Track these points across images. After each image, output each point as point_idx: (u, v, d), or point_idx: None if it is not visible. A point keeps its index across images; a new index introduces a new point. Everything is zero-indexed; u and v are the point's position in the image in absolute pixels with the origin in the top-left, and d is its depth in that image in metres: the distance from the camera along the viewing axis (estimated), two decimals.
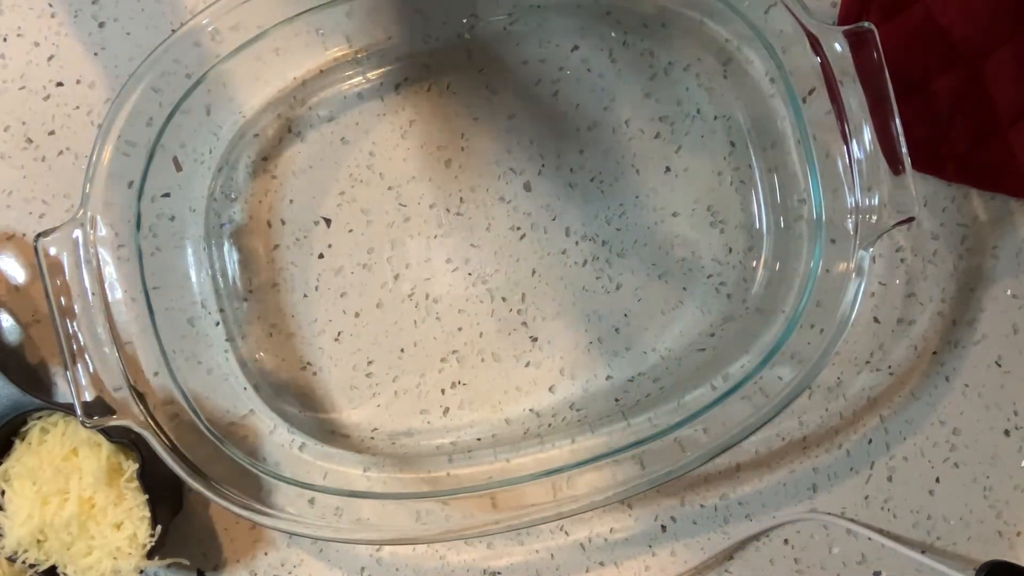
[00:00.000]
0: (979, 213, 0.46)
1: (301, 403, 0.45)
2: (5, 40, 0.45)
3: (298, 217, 0.45)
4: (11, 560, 0.42)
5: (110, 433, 0.41)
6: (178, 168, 0.43)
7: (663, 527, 0.46)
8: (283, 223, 0.45)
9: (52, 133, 0.45)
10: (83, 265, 0.39)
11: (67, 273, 0.39)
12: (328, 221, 0.45)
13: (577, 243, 0.45)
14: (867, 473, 0.46)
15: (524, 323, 0.45)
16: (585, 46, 0.45)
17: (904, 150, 0.39)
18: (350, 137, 0.45)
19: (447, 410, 0.45)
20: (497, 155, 0.45)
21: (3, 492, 0.42)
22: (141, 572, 0.43)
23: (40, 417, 0.43)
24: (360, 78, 0.45)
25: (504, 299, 0.45)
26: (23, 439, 0.42)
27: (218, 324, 0.44)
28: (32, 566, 0.42)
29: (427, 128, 0.45)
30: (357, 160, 0.45)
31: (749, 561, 0.46)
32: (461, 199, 0.45)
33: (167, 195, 0.42)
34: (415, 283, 0.45)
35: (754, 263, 0.45)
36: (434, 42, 0.44)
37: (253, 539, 0.46)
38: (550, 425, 0.45)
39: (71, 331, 0.39)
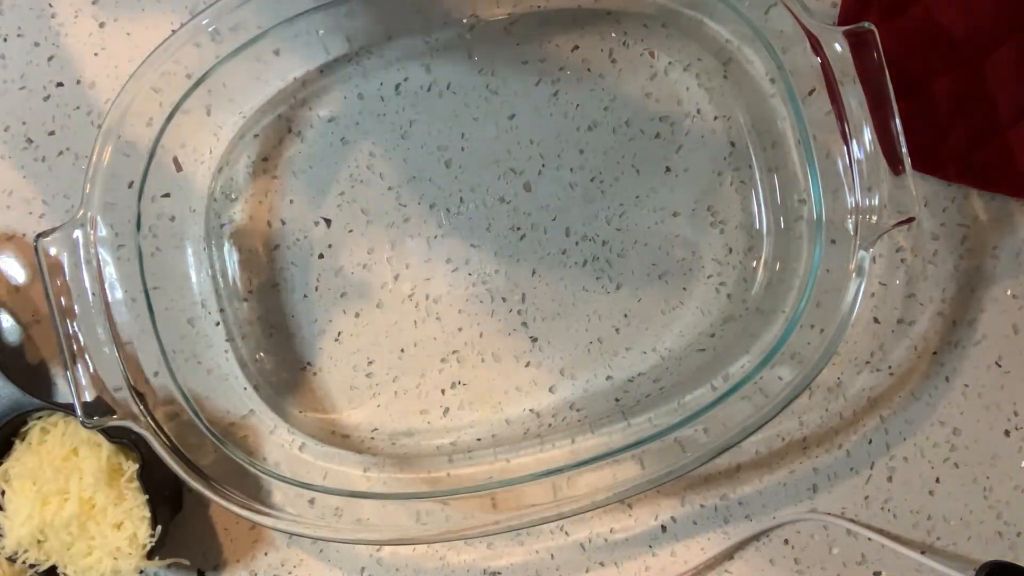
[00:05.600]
0: (979, 213, 0.46)
1: (301, 403, 0.45)
2: (5, 40, 0.45)
3: (298, 217, 0.45)
4: (11, 560, 0.42)
5: (110, 433, 0.41)
6: (178, 168, 0.43)
7: (663, 527, 0.46)
8: (283, 223, 0.45)
9: (52, 133, 0.45)
10: (83, 265, 0.39)
11: (67, 273, 0.39)
12: (328, 221, 0.45)
13: (577, 243, 0.45)
14: (867, 473, 0.46)
15: (524, 323, 0.45)
16: (585, 46, 0.45)
17: (904, 150, 0.39)
18: (350, 137, 0.45)
19: (447, 410, 0.45)
20: (497, 155, 0.45)
21: (3, 492, 0.42)
22: (141, 572, 0.43)
23: (40, 417, 0.43)
24: (360, 78, 0.45)
25: (504, 299, 0.45)
26: (23, 439, 0.42)
27: (218, 324, 0.44)
28: (32, 566, 0.42)
29: (427, 128, 0.45)
30: (357, 160, 0.45)
31: (749, 561, 0.46)
32: (461, 199, 0.45)
33: (167, 195, 0.42)
34: (415, 283, 0.45)
35: (754, 263, 0.45)
36: (434, 42, 0.44)
37: (253, 539, 0.46)
38: (550, 425, 0.45)
39: (71, 331, 0.39)
